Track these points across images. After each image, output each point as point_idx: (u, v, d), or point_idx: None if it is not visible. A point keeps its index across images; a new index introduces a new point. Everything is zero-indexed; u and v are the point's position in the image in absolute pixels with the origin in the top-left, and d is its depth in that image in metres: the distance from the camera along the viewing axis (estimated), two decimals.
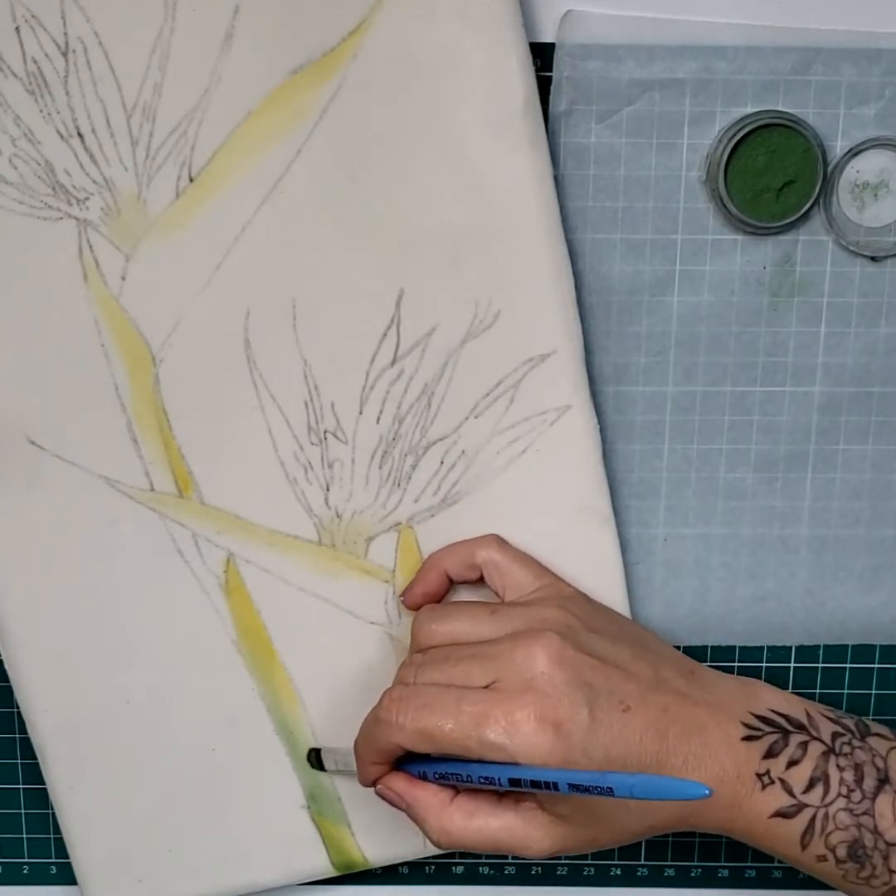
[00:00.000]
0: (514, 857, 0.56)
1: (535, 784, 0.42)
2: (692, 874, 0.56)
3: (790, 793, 0.44)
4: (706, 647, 0.53)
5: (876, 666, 0.54)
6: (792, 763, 0.45)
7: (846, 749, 0.45)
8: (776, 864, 0.56)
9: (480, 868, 0.56)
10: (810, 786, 0.44)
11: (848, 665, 0.54)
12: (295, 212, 0.47)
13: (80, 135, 0.46)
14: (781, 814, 0.44)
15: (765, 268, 0.50)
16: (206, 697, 0.51)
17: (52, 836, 0.55)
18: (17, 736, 0.54)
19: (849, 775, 0.45)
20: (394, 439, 0.49)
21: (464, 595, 0.51)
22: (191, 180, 0.47)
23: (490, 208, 0.47)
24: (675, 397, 0.51)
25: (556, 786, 0.41)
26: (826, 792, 0.44)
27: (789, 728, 0.45)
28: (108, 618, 0.50)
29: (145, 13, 0.45)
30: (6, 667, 0.51)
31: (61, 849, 0.55)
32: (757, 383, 0.51)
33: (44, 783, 0.52)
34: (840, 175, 0.49)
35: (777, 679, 0.53)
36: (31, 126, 0.46)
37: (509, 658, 0.44)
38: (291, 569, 0.50)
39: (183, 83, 0.46)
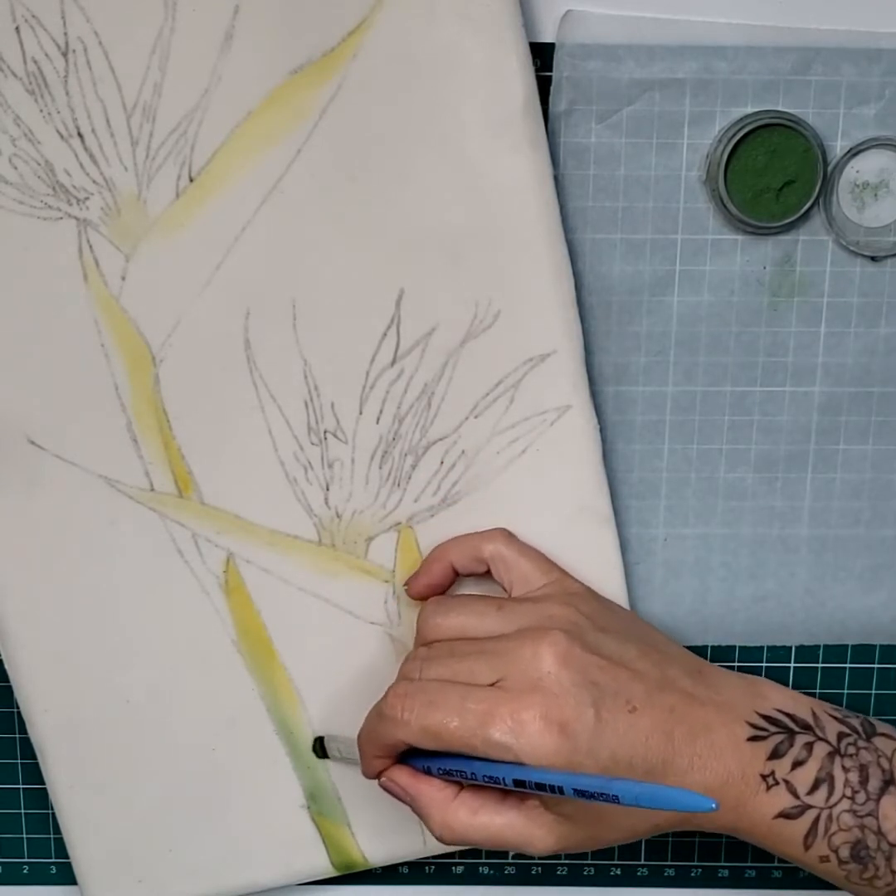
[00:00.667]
0: (514, 857, 0.56)
1: (540, 786, 0.42)
2: (692, 874, 0.56)
3: (794, 794, 0.44)
4: (706, 646, 0.53)
5: (876, 666, 0.54)
6: (797, 764, 0.45)
7: (851, 750, 0.45)
8: (776, 864, 0.56)
9: (480, 868, 0.56)
10: (815, 787, 0.44)
11: (848, 665, 0.54)
12: (295, 212, 0.47)
13: (80, 135, 0.46)
14: (785, 815, 0.44)
15: (765, 268, 0.50)
16: (206, 697, 0.51)
17: (52, 836, 0.55)
18: (17, 736, 0.54)
19: (854, 776, 0.45)
20: (394, 439, 0.49)
21: (469, 588, 0.51)
22: (191, 180, 0.47)
23: (490, 208, 0.47)
24: (675, 397, 0.51)
25: (561, 790, 0.41)
26: (830, 793, 0.44)
27: (795, 728, 0.45)
28: (108, 618, 0.50)
29: (145, 13, 0.45)
30: (6, 667, 0.51)
31: (61, 849, 0.55)
32: (757, 383, 0.51)
33: (44, 783, 0.52)
34: (840, 175, 0.49)
35: (777, 679, 0.53)
36: (31, 126, 0.46)
37: (516, 656, 0.44)
38: (291, 569, 0.50)
39: (183, 83, 0.46)
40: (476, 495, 0.50)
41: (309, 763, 0.52)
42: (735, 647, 0.53)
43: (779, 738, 0.45)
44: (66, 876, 0.55)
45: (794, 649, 0.53)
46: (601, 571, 0.51)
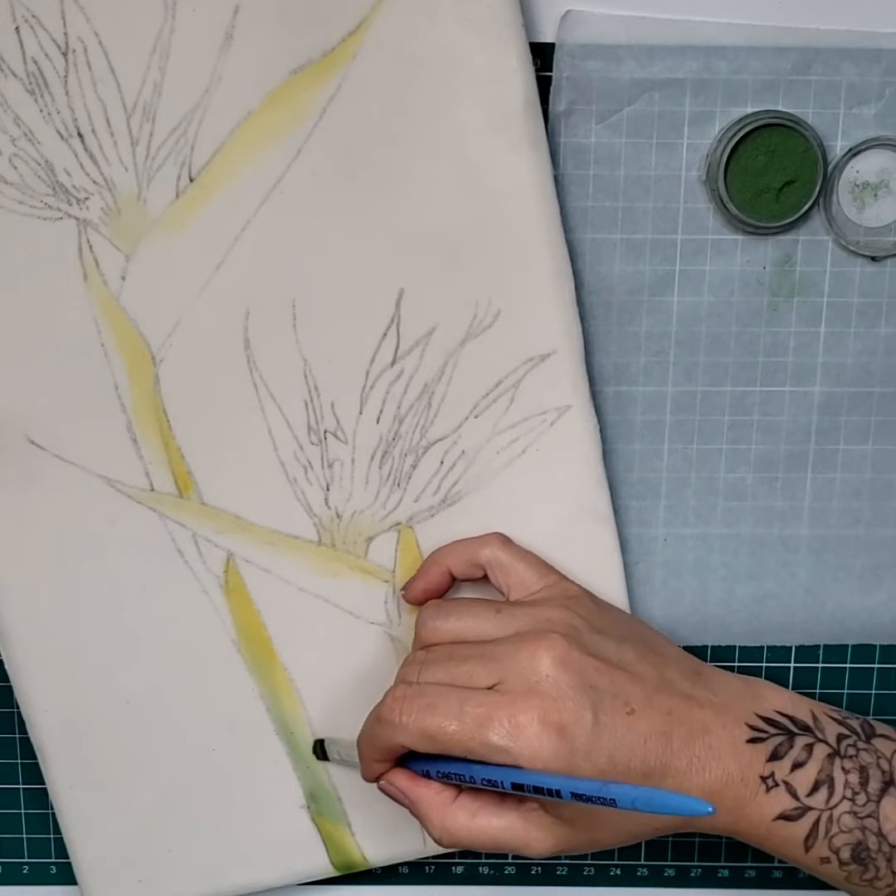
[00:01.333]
0: (513, 857, 0.56)
1: (538, 790, 0.42)
2: (692, 874, 0.56)
3: (794, 796, 0.44)
4: (706, 646, 0.53)
5: (876, 666, 0.54)
6: (796, 766, 0.44)
7: (851, 751, 0.45)
8: (776, 864, 0.56)
9: (480, 868, 0.56)
10: (815, 788, 0.44)
11: (848, 665, 0.54)
12: (295, 212, 0.47)
13: (80, 135, 0.46)
14: (785, 816, 0.44)
15: (765, 268, 0.50)
16: (206, 697, 0.51)
17: (52, 836, 0.55)
18: (17, 736, 0.54)
19: (854, 778, 0.45)
20: (394, 439, 0.49)
21: (466, 592, 0.51)
22: (191, 180, 0.47)
23: (490, 208, 0.47)
24: (675, 397, 0.51)
25: (558, 793, 0.41)
26: (830, 795, 0.44)
27: (794, 730, 0.45)
28: (107, 618, 0.50)
29: (145, 13, 0.45)
30: (6, 667, 0.51)
31: (61, 849, 0.55)
32: (757, 383, 0.51)
33: (44, 783, 0.52)
34: (840, 175, 0.49)
35: (777, 679, 0.53)
36: (31, 126, 0.46)
37: (514, 659, 0.44)
38: (291, 569, 0.50)
39: (183, 83, 0.46)
40: (476, 495, 0.50)
41: (309, 763, 0.52)
42: (735, 647, 0.53)
43: (778, 739, 0.45)
44: (66, 876, 0.55)
45: (793, 649, 0.53)
46: (601, 571, 0.51)
